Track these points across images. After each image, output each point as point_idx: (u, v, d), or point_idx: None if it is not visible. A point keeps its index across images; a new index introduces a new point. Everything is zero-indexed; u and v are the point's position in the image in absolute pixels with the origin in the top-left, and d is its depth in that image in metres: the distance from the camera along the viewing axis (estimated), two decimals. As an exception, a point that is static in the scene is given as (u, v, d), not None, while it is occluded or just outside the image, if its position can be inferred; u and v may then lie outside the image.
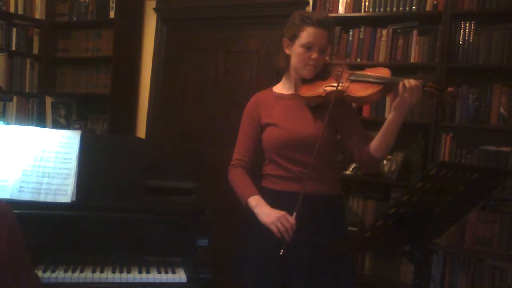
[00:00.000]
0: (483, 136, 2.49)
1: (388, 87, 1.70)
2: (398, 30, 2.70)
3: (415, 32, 2.65)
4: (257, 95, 1.98)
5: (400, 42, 2.69)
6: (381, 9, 2.71)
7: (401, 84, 1.61)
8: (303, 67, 1.81)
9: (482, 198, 1.54)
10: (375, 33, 2.76)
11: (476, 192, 1.49)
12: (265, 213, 1.71)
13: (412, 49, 2.66)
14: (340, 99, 1.75)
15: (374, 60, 2.73)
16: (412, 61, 2.65)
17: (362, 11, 2.76)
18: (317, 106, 1.80)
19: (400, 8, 2.66)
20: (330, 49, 2.41)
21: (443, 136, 2.52)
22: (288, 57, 1.85)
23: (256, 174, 1.90)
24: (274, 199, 1.78)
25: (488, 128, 2.46)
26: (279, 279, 1.77)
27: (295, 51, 1.80)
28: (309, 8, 2.90)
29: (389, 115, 1.67)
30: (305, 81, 1.84)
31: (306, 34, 1.76)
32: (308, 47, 1.77)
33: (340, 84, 1.73)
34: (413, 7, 2.63)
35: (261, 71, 3.31)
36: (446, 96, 1.62)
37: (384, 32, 2.73)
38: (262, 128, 1.89)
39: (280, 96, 1.90)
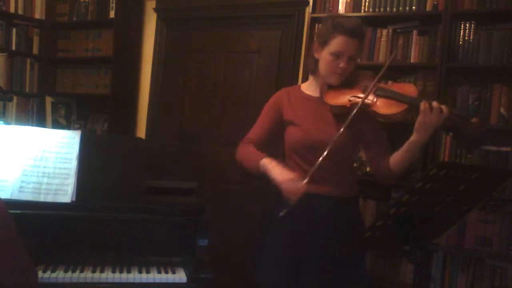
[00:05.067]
0: (483, 136, 2.48)
1: (413, 107, 1.67)
2: (398, 30, 2.70)
3: (415, 32, 2.65)
4: (287, 89, 1.99)
5: (400, 42, 2.69)
6: (381, 9, 2.71)
7: (423, 104, 1.60)
8: (330, 74, 1.81)
9: (482, 198, 1.54)
10: (375, 33, 2.75)
11: (476, 192, 1.49)
12: (279, 171, 1.71)
13: (412, 49, 2.65)
14: (364, 112, 1.75)
15: (374, 60, 2.72)
16: (412, 61, 2.64)
17: (362, 11, 2.76)
18: (340, 114, 1.80)
19: (400, 8, 2.65)
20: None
21: (443, 136, 2.52)
22: (316, 61, 1.85)
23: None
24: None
25: (488, 128, 2.46)
26: (292, 278, 1.78)
27: (323, 58, 1.81)
28: (309, 8, 2.90)
29: (412, 136, 1.67)
30: (331, 87, 1.85)
31: (336, 42, 1.75)
32: (337, 55, 1.77)
33: (367, 98, 1.73)
34: (413, 7, 2.63)
35: (261, 71, 3.30)
36: (470, 127, 1.59)
37: (384, 32, 2.72)
38: (284, 124, 1.91)
39: (307, 98, 1.91)
